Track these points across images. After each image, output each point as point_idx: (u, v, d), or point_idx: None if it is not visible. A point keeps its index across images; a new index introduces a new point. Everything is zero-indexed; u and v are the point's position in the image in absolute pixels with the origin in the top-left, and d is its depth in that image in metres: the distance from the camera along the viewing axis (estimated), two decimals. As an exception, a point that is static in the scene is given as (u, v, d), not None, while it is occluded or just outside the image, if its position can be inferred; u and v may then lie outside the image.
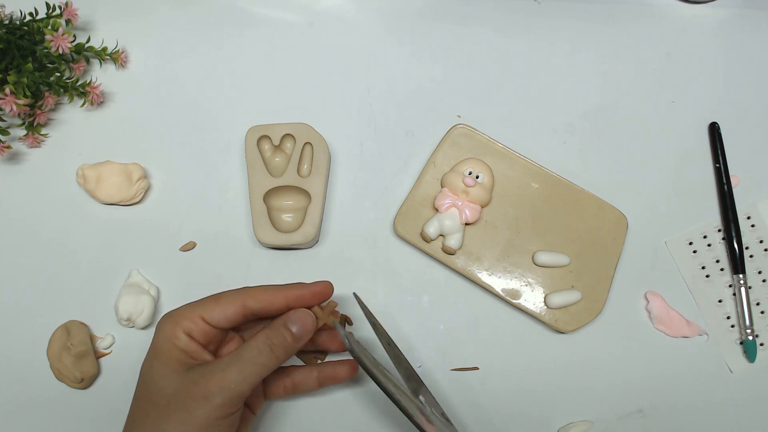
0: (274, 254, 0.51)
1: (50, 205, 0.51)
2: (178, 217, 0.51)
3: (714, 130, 0.54)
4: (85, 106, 0.52)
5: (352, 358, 0.41)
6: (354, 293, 0.42)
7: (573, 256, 0.50)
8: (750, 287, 0.51)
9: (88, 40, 0.53)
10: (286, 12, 0.56)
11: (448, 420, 0.42)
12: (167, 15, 0.56)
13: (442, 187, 0.50)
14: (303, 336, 0.39)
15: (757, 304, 0.51)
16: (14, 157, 0.52)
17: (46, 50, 0.48)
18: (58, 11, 0.50)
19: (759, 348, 0.50)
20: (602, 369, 0.49)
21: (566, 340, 0.50)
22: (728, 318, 0.51)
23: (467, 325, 0.50)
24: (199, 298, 0.39)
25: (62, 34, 0.48)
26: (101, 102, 0.53)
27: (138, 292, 0.47)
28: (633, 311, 0.51)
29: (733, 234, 0.51)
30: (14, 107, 0.46)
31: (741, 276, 0.50)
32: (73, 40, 0.50)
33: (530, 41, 0.56)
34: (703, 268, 0.52)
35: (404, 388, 0.39)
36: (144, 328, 0.48)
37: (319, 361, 0.47)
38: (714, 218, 0.53)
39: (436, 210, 0.49)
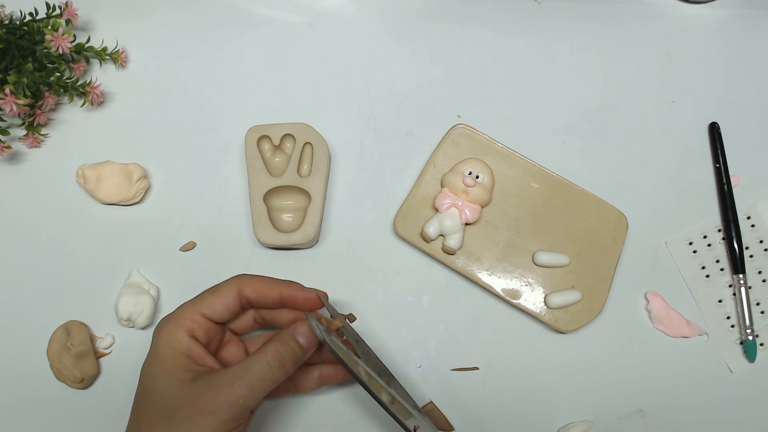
0: (274, 254, 0.51)
1: (50, 205, 0.51)
2: (178, 217, 0.51)
3: (714, 130, 0.54)
4: (85, 106, 0.52)
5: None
6: (317, 294, 0.41)
7: (573, 256, 0.50)
8: (750, 287, 0.51)
9: (88, 40, 0.53)
10: (286, 12, 0.56)
11: (420, 412, 0.42)
12: (167, 15, 0.56)
13: (442, 187, 0.50)
14: (310, 348, 0.39)
15: (757, 304, 0.51)
16: (14, 157, 0.52)
17: (46, 50, 0.48)
18: (58, 11, 0.50)
19: (759, 348, 0.50)
20: (602, 369, 0.49)
21: (566, 340, 0.50)
22: (728, 318, 0.51)
23: (467, 325, 0.50)
24: (198, 298, 0.39)
25: (62, 34, 0.48)
26: (101, 102, 0.53)
27: (138, 292, 0.47)
28: (633, 311, 0.51)
29: (733, 234, 0.51)
30: (14, 107, 0.46)
31: (741, 276, 0.50)
32: (73, 40, 0.50)
33: (530, 41, 0.56)
34: (703, 268, 0.52)
35: (379, 381, 0.39)
36: (144, 328, 0.48)
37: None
38: (714, 218, 0.53)
39: (436, 210, 0.49)
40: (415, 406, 0.42)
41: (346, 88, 0.54)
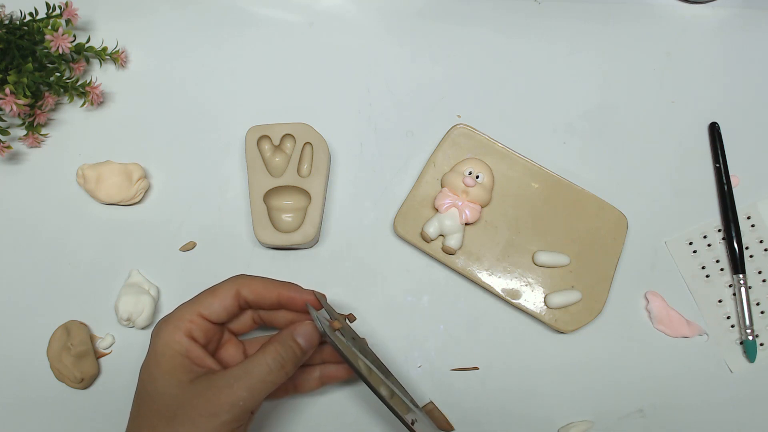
0: (274, 254, 0.51)
1: (50, 205, 0.51)
2: (178, 217, 0.51)
3: (714, 130, 0.54)
4: (85, 106, 0.52)
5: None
6: (315, 295, 0.41)
7: (573, 256, 0.50)
8: (750, 287, 0.51)
9: (88, 40, 0.53)
10: (286, 12, 0.56)
11: (417, 407, 0.42)
12: (167, 15, 0.56)
13: (442, 187, 0.50)
14: (309, 349, 0.39)
15: (757, 304, 0.51)
16: (14, 157, 0.52)
17: (46, 50, 0.48)
18: (58, 11, 0.50)
19: (759, 348, 0.50)
20: (602, 369, 0.49)
21: (566, 340, 0.50)
22: (728, 318, 0.51)
23: (467, 325, 0.50)
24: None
25: (62, 34, 0.48)
26: (101, 102, 0.53)
27: (138, 292, 0.47)
28: (633, 311, 0.51)
29: (733, 234, 0.51)
30: (14, 107, 0.46)
31: (741, 276, 0.50)
32: (73, 40, 0.50)
33: (530, 41, 0.56)
34: (703, 268, 0.52)
35: (379, 375, 0.39)
36: (144, 328, 0.48)
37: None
38: (714, 218, 0.53)
39: (436, 210, 0.49)
40: (413, 401, 0.42)
41: (346, 88, 0.54)
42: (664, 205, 0.53)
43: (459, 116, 0.54)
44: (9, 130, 0.50)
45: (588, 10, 0.57)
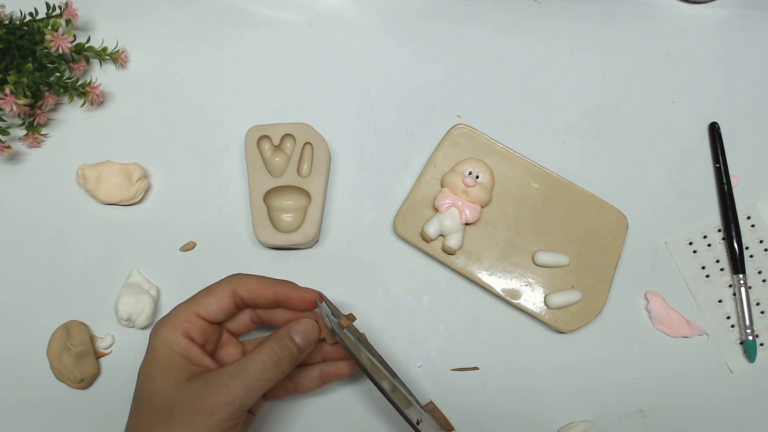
0: (274, 254, 0.51)
1: (50, 205, 0.51)
2: (178, 217, 0.51)
3: (714, 130, 0.54)
4: (85, 106, 0.52)
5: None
6: (320, 294, 0.41)
7: (573, 256, 0.50)
8: (750, 287, 0.51)
9: (88, 40, 0.53)
10: (286, 12, 0.56)
11: (421, 406, 0.42)
12: (167, 15, 0.56)
13: (442, 187, 0.50)
14: (306, 347, 0.39)
15: (757, 304, 0.51)
16: (14, 157, 0.52)
17: (46, 50, 0.48)
18: (58, 11, 0.50)
19: (759, 348, 0.50)
20: (602, 369, 0.49)
21: (566, 340, 0.50)
22: (728, 318, 0.51)
23: (467, 325, 0.50)
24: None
25: (62, 34, 0.48)
26: (101, 102, 0.53)
27: (138, 292, 0.47)
28: (633, 311, 0.51)
29: (733, 234, 0.51)
30: (14, 107, 0.46)
31: (741, 276, 0.50)
32: (73, 40, 0.50)
33: (530, 41, 0.56)
34: (703, 268, 0.52)
35: (382, 369, 0.40)
36: (144, 328, 0.48)
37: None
38: (714, 218, 0.53)
39: (436, 210, 0.49)
40: (417, 401, 0.42)
41: (346, 88, 0.54)
42: (664, 205, 0.53)
43: (459, 116, 0.54)
44: (9, 130, 0.50)
45: (588, 10, 0.57)
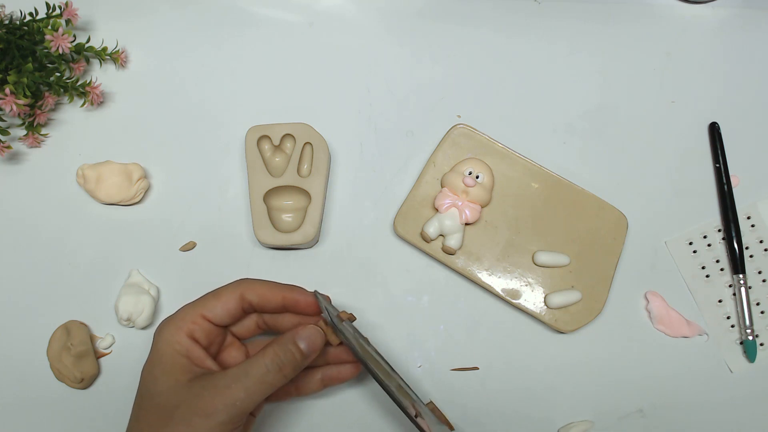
0: (274, 254, 0.51)
1: (50, 205, 0.51)
2: (178, 217, 0.51)
3: (714, 130, 0.54)
4: (85, 106, 0.52)
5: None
6: (318, 293, 0.41)
7: (573, 256, 0.50)
8: (750, 287, 0.51)
9: (88, 40, 0.53)
10: (286, 12, 0.56)
11: (422, 403, 0.42)
12: (167, 15, 0.56)
13: (442, 187, 0.50)
14: (311, 353, 0.38)
15: (757, 304, 0.51)
16: (14, 157, 0.52)
17: (46, 50, 0.48)
18: (58, 11, 0.50)
19: (759, 348, 0.50)
20: (602, 369, 0.49)
21: (566, 340, 0.50)
22: (728, 318, 0.51)
23: (467, 325, 0.50)
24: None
25: (62, 34, 0.48)
26: (101, 102, 0.53)
27: (138, 292, 0.47)
28: (633, 311, 0.51)
29: (733, 234, 0.51)
30: (14, 107, 0.46)
31: (741, 276, 0.50)
32: (73, 40, 0.50)
33: (530, 41, 0.56)
34: (703, 268, 0.52)
35: (389, 370, 0.40)
36: (144, 328, 0.48)
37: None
38: (714, 218, 0.53)
39: (436, 210, 0.49)
40: (418, 397, 0.42)
41: (346, 88, 0.54)
42: (664, 205, 0.53)
43: (459, 116, 0.54)
44: (9, 130, 0.50)
45: (588, 10, 0.57)
